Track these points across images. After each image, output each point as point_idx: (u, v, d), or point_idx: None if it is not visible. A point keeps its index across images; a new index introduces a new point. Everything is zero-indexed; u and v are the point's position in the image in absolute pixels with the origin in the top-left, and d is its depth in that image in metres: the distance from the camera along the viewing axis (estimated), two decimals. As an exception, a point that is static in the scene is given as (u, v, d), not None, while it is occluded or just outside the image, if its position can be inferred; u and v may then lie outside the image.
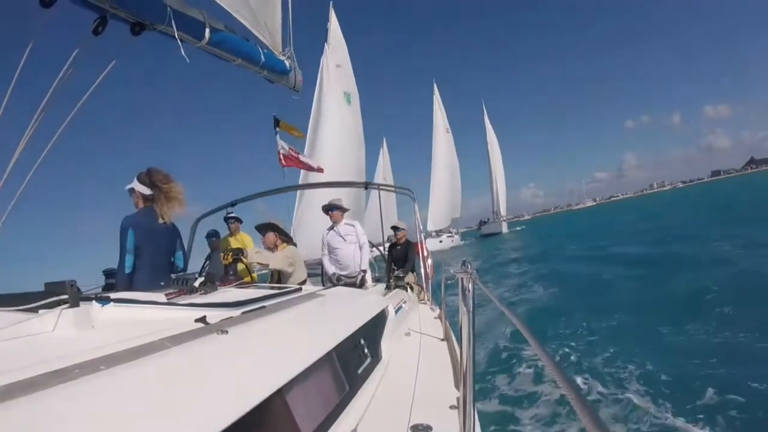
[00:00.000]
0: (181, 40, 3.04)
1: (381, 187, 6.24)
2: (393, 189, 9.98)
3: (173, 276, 2.47)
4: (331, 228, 5.58)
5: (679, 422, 4.77)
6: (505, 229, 66.10)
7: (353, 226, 5.53)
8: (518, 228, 69.27)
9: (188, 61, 3.16)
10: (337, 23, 19.03)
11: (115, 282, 3.30)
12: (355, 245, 5.45)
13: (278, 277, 4.93)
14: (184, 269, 3.86)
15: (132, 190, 3.40)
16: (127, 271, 3.22)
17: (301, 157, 8.08)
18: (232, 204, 6.60)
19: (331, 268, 5.60)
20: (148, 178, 3.36)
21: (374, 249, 7.53)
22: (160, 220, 3.39)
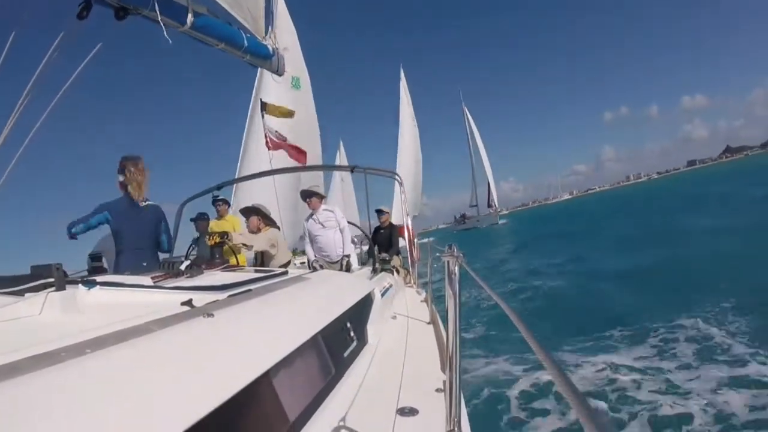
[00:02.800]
0: (164, 25, 3.02)
1: (368, 170, 6.23)
2: (380, 172, 9.97)
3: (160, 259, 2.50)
4: (311, 216, 5.59)
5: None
6: (498, 220, 65.10)
7: (332, 211, 5.55)
8: (502, 221, 68.38)
9: (170, 42, 3.16)
10: (284, 5, 17.79)
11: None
12: (335, 230, 5.48)
13: (261, 258, 4.99)
14: (169, 251, 3.92)
15: (118, 182, 3.65)
16: (73, 231, 3.48)
17: (288, 141, 8.03)
18: (218, 187, 6.57)
19: (312, 255, 5.65)
20: (119, 165, 3.59)
21: (359, 232, 7.54)
22: (142, 203, 3.63)
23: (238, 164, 13.60)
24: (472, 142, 67.51)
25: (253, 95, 14.06)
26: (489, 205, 68.05)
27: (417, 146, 34.71)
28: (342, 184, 31.80)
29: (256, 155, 12.35)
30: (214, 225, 6.60)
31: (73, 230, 3.46)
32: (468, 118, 67.09)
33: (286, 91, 13.48)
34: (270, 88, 13.42)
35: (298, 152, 8.39)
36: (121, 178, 3.58)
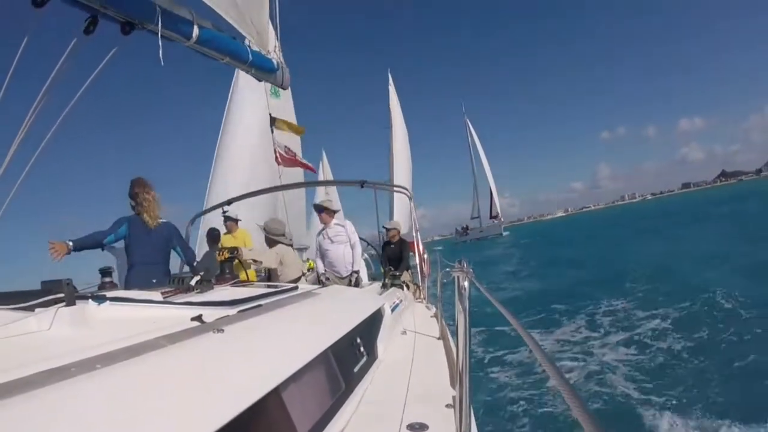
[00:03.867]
0: (170, 39, 3.06)
1: (377, 185, 6.24)
2: (390, 188, 9.98)
3: (180, 270, 2.52)
4: (322, 230, 5.60)
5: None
6: (502, 231, 64.74)
7: (343, 226, 5.54)
8: (505, 233, 67.93)
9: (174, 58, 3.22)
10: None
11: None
12: (345, 245, 5.46)
13: (269, 274, 5.02)
14: (189, 263, 4.01)
15: None
16: (105, 241, 3.64)
17: (297, 157, 8.08)
18: (228, 203, 6.60)
19: (321, 269, 5.65)
20: (130, 189, 3.76)
21: (369, 246, 7.53)
22: (148, 225, 3.75)
23: (210, 174, 11.68)
24: (474, 153, 67.43)
25: (229, 100, 12.48)
26: (492, 216, 67.59)
27: (409, 155, 34.32)
28: (326, 197, 31.38)
29: (230, 167, 11.43)
30: (225, 240, 6.63)
31: (106, 241, 3.60)
32: (470, 130, 67.10)
33: (265, 99, 10.75)
34: (245, 95, 12.21)
35: (306, 167, 8.44)
36: (132, 203, 3.73)
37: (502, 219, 68.79)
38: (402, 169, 31.20)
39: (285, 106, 12.65)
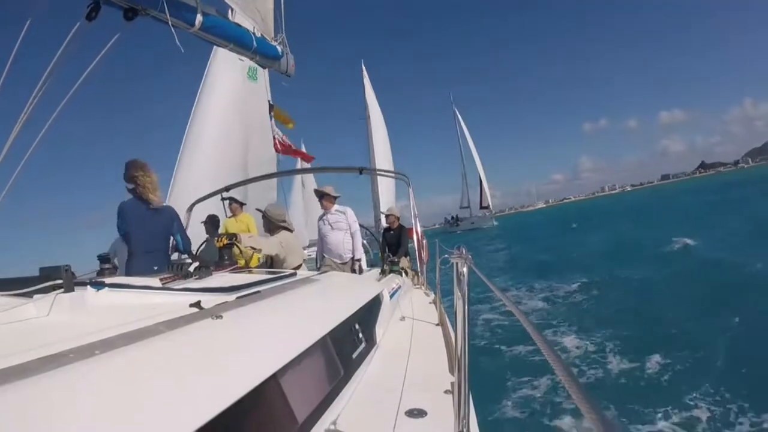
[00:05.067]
0: (173, 26, 3.02)
1: (376, 172, 6.23)
2: (388, 174, 9.97)
3: (173, 259, 2.51)
4: (323, 216, 5.59)
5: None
6: (493, 222, 64.61)
7: (344, 213, 5.52)
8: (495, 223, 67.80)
9: (182, 50, 3.16)
10: None
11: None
12: (345, 232, 5.45)
13: (271, 262, 4.97)
14: (186, 251, 3.93)
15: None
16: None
17: (293, 146, 8.06)
18: (226, 189, 6.58)
19: (320, 254, 5.68)
20: (125, 175, 3.53)
21: (367, 233, 7.52)
22: (149, 205, 3.55)
23: (178, 158, 10.28)
24: (463, 144, 67.14)
25: (202, 83, 11.00)
26: (483, 207, 67.35)
27: (388, 144, 34.18)
28: (303, 190, 31.57)
29: (196, 148, 10.16)
30: (229, 224, 6.61)
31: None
32: (459, 121, 66.67)
33: (241, 82, 11.03)
34: (221, 77, 11.02)
35: (303, 156, 8.41)
36: (130, 185, 3.53)
37: (492, 210, 68.67)
38: (382, 158, 31.22)
39: (261, 90, 10.96)
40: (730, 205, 28.96)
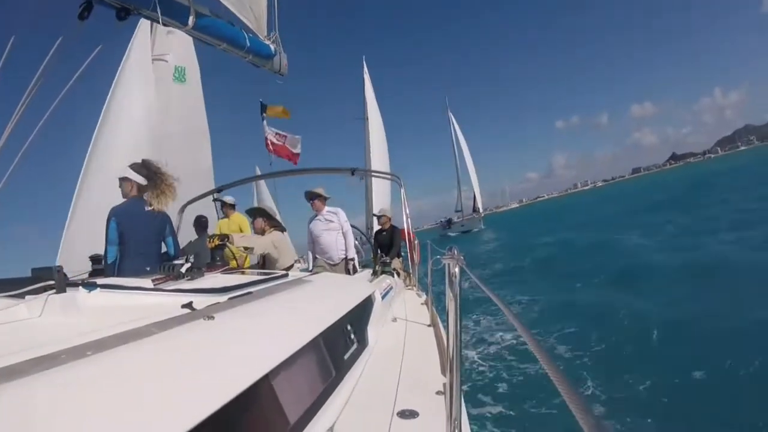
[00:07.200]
0: (166, 25, 3.02)
1: (369, 173, 6.24)
2: (380, 175, 9.97)
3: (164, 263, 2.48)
4: (314, 217, 5.59)
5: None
6: (481, 224, 65.08)
7: (336, 213, 5.54)
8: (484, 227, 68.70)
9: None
10: None
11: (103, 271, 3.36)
12: (337, 233, 5.46)
13: (263, 262, 4.97)
14: (175, 256, 3.88)
15: (125, 179, 3.45)
16: (109, 261, 3.31)
17: (287, 145, 8.03)
18: (218, 190, 6.57)
19: (312, 255, 5.68)
20: (145, 168, 3.43)
21: (359, 234, 7.52)
22: (148, 208, 3.44)
23: (86, 158, 8.03)
24: (458, 148, 67.32)
25: (115, 80, 8.63)
26: (474, 210, 68.09)
27: (386, 145, 33.67)
28: (276, 192, 30.96)
29: (105, 149, 7.98)
30: (222, 225, 6.60)
31: (110, 261, 3.37)
32: (454, 125, 66.75)
33: (166, 85, 9.38)
34: (135, 78, 8.86)
35: (291, 155, 8.38)
36: (143, 180, 3.44)
37: (482, 213, 69.31)
38: (379, 159, 30.79)
39: (193, 91, 10.10)
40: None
